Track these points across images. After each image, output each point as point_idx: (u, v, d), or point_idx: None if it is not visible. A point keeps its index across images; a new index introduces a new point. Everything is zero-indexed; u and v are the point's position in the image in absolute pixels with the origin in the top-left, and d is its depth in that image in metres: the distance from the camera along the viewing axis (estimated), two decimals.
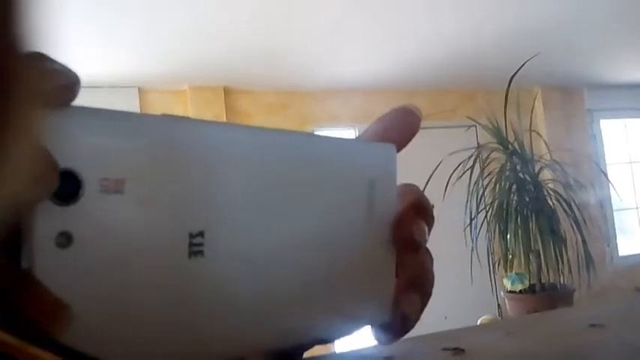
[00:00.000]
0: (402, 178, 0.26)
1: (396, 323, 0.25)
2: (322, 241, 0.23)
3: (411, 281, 0.26)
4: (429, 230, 0.26)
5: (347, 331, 0.26)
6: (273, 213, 0.21)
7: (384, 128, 0.27)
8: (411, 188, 0.27)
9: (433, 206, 0.27)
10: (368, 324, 0.26)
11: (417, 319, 0.26)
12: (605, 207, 3.60)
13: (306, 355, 0.29)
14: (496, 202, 2.27)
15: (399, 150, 0.26)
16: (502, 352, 0.30)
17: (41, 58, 0.16)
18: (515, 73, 2.29)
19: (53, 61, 0.17)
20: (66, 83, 0.16)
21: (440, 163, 2.23)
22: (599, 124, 4.32)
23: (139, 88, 3.30)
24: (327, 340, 0.26)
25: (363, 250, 0.24)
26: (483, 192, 2.34)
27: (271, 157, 0.21)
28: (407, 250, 0.26)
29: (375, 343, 0.28)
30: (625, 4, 2.62)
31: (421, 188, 0.28)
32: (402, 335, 0.26)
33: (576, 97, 4.17)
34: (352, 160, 0.24)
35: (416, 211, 0.26)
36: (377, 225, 0.25)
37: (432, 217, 0.27)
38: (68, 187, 0.15)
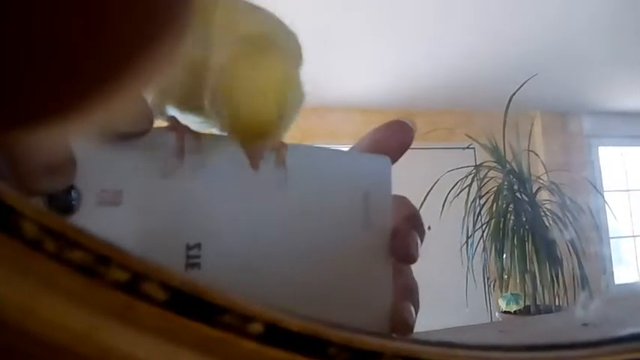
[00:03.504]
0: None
1: (398, 331, 0.25)
2: (319, 252, 0.23)
3: (404, 292, 0.26)
4: (421, 242, 0.27)
5: None
6: (270, 225, 0.21)
7: (378, 141, 0.28)
8: (402, 201, 0.28)
9: (429, 228, 0.28)
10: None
11: (413, 328, 0.26)
12: (601, 234, 3.59)
13: None
14: (493, 220, 2.27)
15: (392, 162, 0.27)
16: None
17: None
18: (515, 92, 2.31)
19: None
20: None
21: (437, 181, 2.23)
22: (597, 150, 4.33)
23: None
24: None
25: (360, 259, 0.24)
26: (480, 210, 2.33)
27: (267, 168, 0.21)
28: (402, 263, 0.26)
29: None
30: (626, 34, 2.65)
31: (418, 206, 0.28)
32: None
33: (575, 123, 4.19)
34: (348, 172, 0.25)
35: (410, 225, 0.26)
36: (373, 235, 0.25)
37: (423, 230, 0.27)
38: (66, 199, 0.16)
